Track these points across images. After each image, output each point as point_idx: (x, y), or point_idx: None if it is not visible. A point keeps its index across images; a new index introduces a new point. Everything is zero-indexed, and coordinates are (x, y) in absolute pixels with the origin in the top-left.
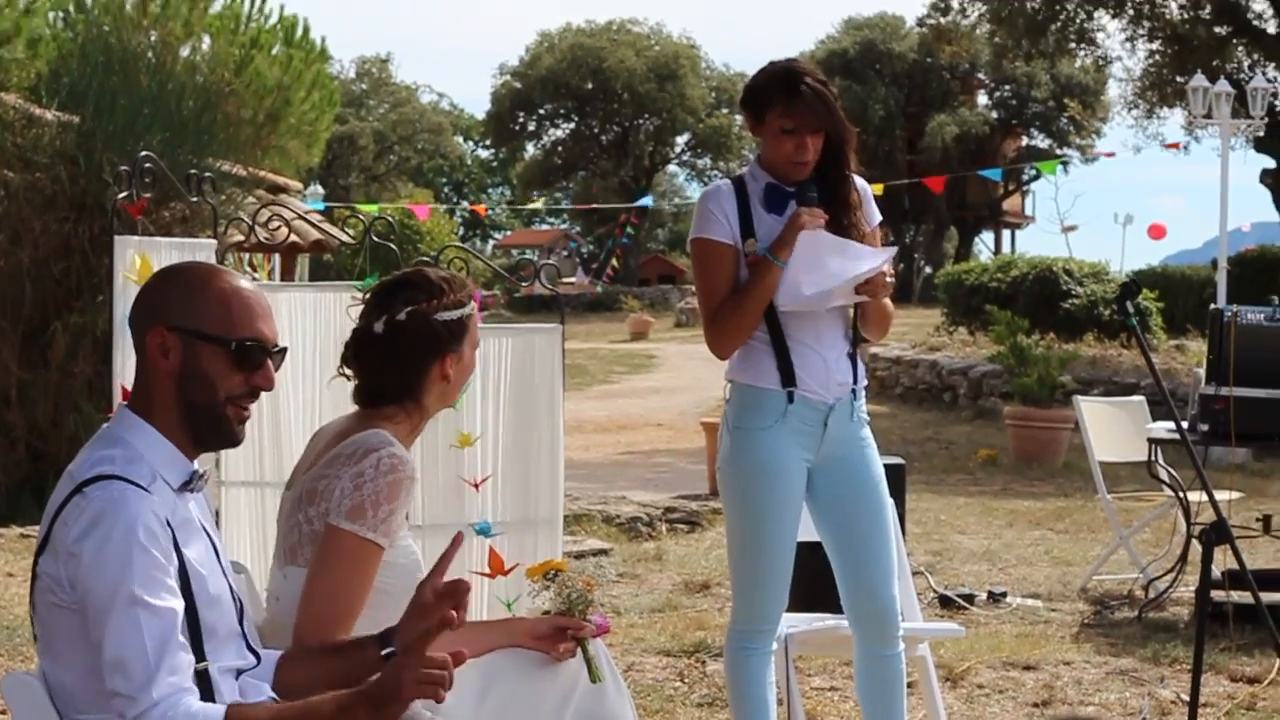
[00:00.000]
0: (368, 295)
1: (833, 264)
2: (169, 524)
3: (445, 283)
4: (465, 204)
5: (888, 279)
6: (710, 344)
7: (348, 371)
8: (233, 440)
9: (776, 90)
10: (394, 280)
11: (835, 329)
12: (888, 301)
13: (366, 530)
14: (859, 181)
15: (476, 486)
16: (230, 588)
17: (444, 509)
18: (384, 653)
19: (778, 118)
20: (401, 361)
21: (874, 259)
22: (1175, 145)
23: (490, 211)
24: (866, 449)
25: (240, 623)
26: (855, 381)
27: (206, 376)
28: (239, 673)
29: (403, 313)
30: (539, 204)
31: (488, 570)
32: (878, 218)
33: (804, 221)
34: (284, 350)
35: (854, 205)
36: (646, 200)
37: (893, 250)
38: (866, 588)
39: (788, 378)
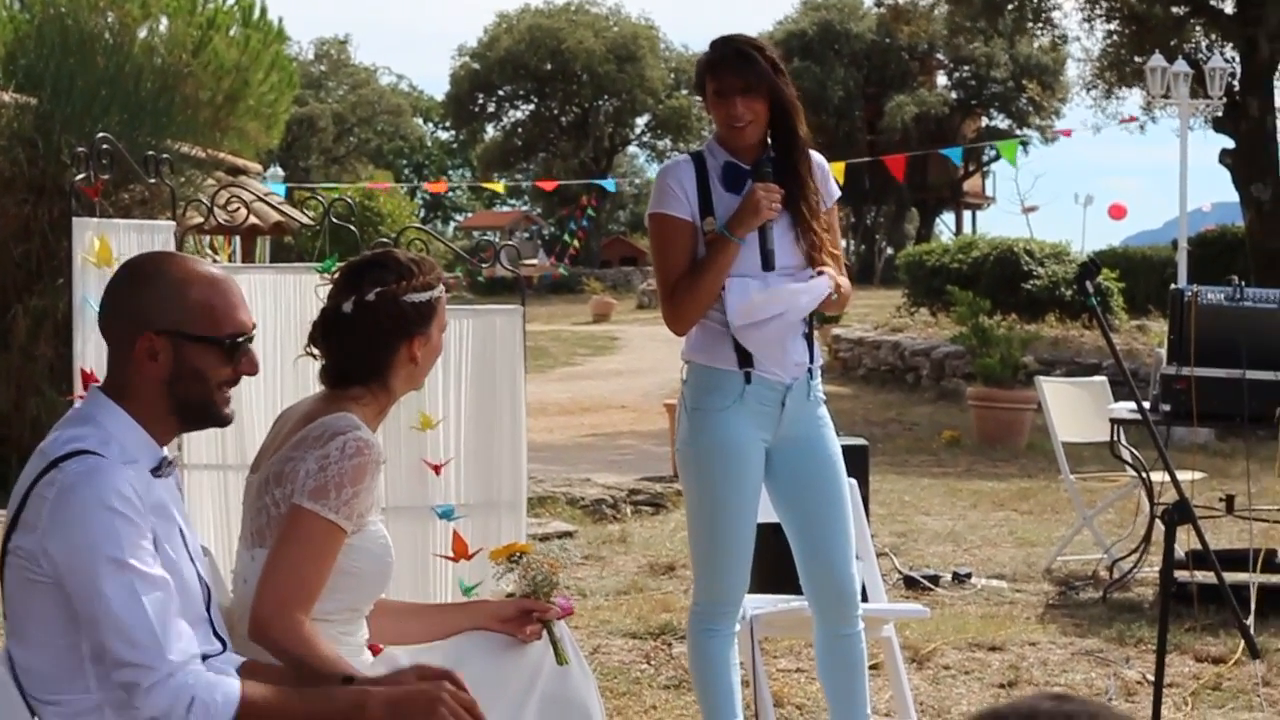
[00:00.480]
0: (336, 275)
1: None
2: (140, 494)
3: (414, 264)
4: (423, 185)
5: (832, 296)
6: (667, 320)
7: (315, 351)
8: (225, 421)
9: (705, 59)
10: (363, 260)
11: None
12: (844, 280)
13: (329, 511)
14: (815, 156)
15: (437, 470)
16: (198, 573)
17: (407, 491)
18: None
19: (709, 84)
20: (369, 343)
21: (810, 292)
22: (1132, 119)
23: (451, 192)
24: (824, 428)
25: (207, 608)
26: (811, 361)
27: (199, 375)
28: (204, 658)
29: (371, 293)
30: (499, 185)
31: (451, 554)
32: (836, 194)
33: (759, 198)
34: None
35: (807, 177)
36: (608, 183)
37: (823, 283)
38: (824, 567)
39: (744, 358)
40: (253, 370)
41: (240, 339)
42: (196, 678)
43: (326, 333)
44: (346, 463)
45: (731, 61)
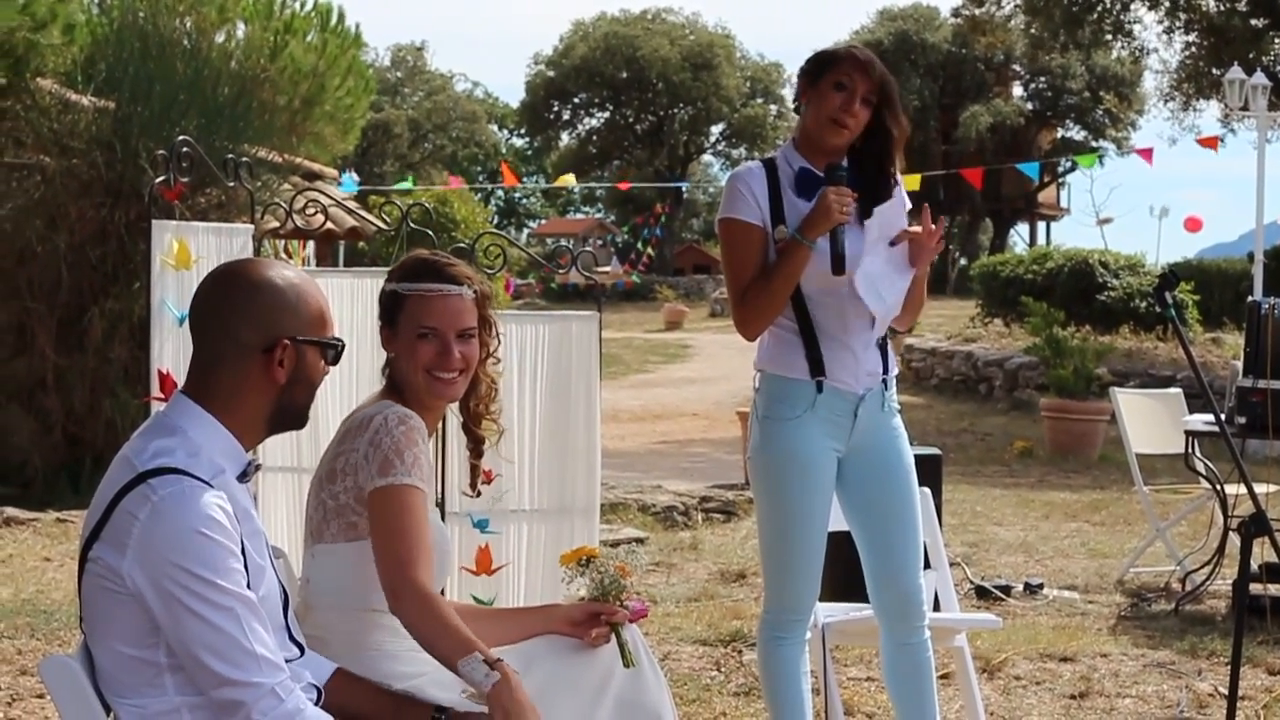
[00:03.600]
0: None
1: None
2: (231, 515)
3: (416, 260)
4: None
5: (932, 239)
6: (738, 325)
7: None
8: (306, 423)
9: (845, 54)
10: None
11: (864, 319)
12: (923, 287)
13: (401, 477)
14: (900, 190)
15: (488, 478)
16: (277, 577)
17: (481, 496)
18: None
19: (836, 74)
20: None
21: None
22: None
23: (525, 199)
24: (897, 439)
25: (285, 614)
26: (885, 371)
27: (310, 380)
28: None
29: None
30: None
31: (473, 566)
32: (904, 224)
33: (830, 201)
34: None
35: (885, 199)
36: (683, 183)
37: (901, 196)
38: (891, 577)
39: (816, 368)
40: (327, 373)
41: (340, 342)
42: (305, 704)
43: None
44: (396, 431)
45: (873, 70)
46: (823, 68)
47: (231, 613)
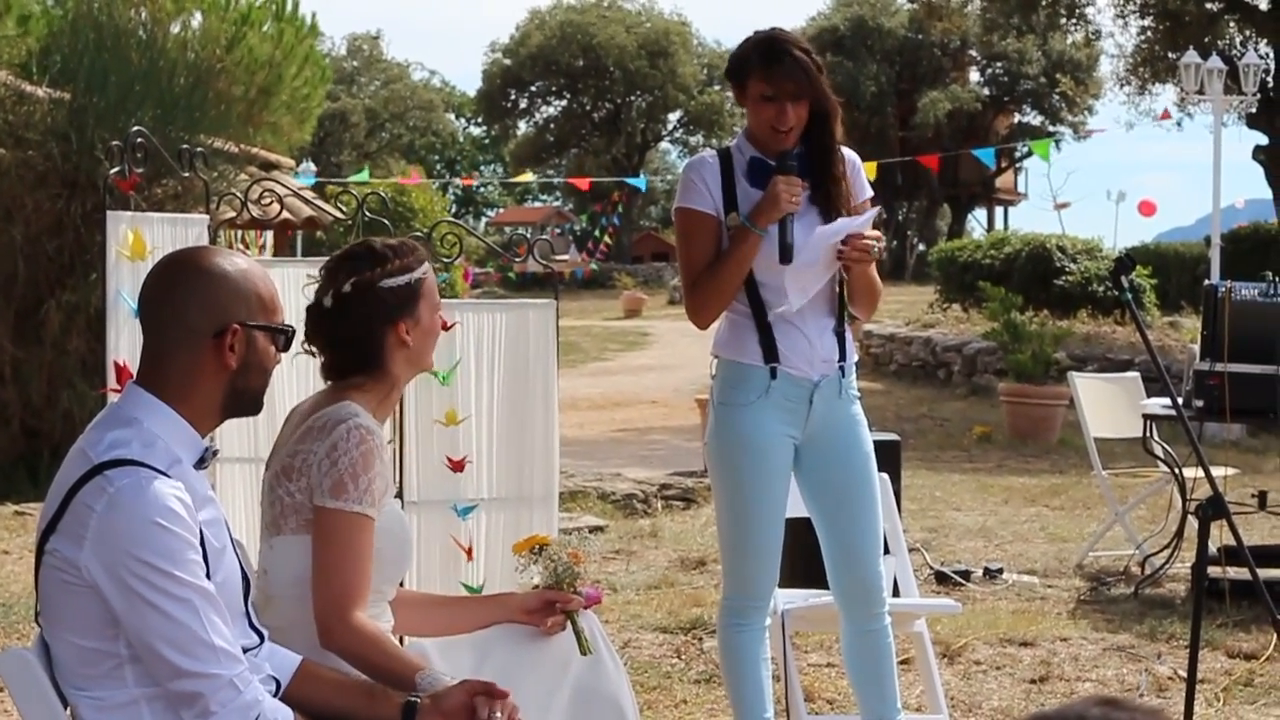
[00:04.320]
0: (320, 272)
1: (814, 240)
2: (189, 505)
3: (390, 250)
4: (456, 180)
5: (872, 244)
6: (690, 313)
7: (311, 349)
8: (261, 409)
9: (756, 57)
10: (341, 254)
11: (819, 306)
12: (875, 277)
13: (353, 504)
14: (848, 154)
15: (459, 466)
16: (240, 564)
17: (438, 486)
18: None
19: (757, 84)
20: (354, 333)
21: (850, 223)
22: (1166, 115)
23: (482, 188)
24: (856, 426)
25: (245, 601)
26: (843, 358)
27: (262, 365)
28: (243, 651)
29: (347, 285)
30: (529, 175)
31: (460, 553)
32: (868, 192)
33: (779, 190)
34: None
35: (839, 177)
36: (640, 181)
37: (872, 212)
38: (851, 563)
39: (770, 353)
40: (279, 360)
41: (290, 328)
42: (262, 694)
43: (314, 330)
44: (355, 452)
45: (789, 69)
46: (743, 76)
47: (189, 604)
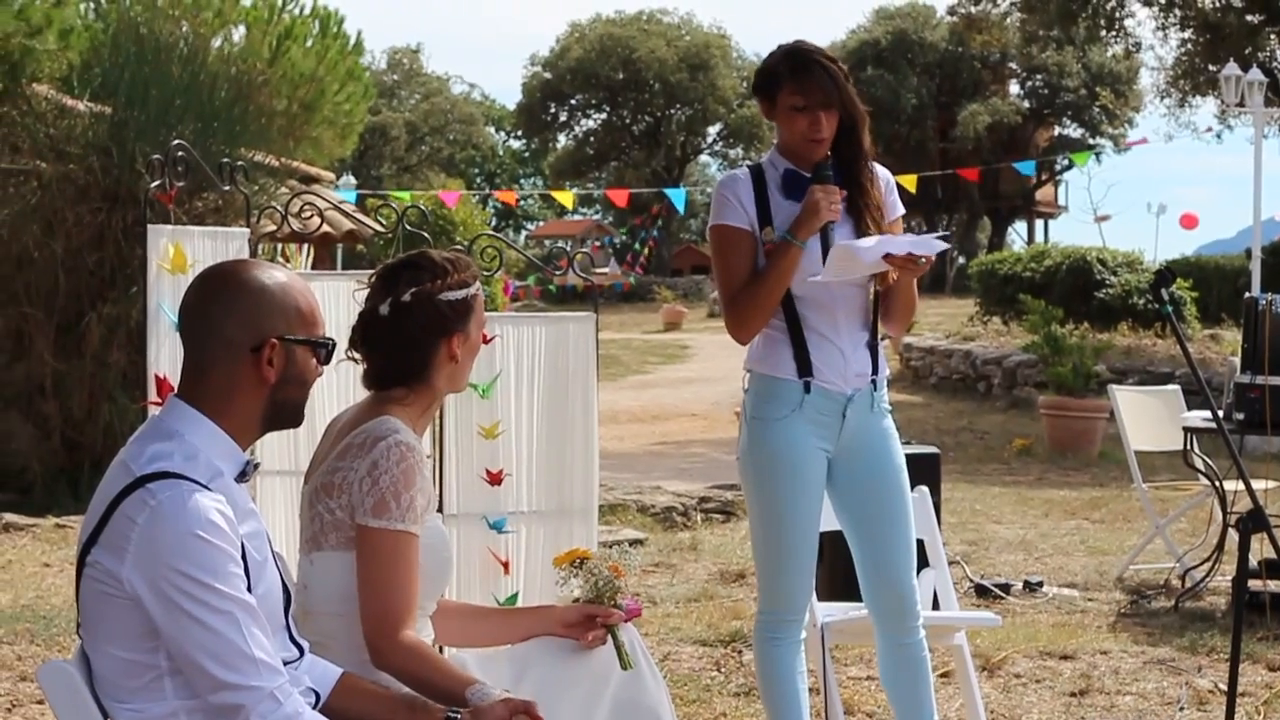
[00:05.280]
0: (373, 278)
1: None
2: (230, 518)
3: (449, 263)
4: (493, 193)
5: (920, 261)
6: (730, 329)
7: (356, 355)
8: (302, 421)
9: (784, 69)
10: (398, 262)
11: (853, 320)
12: (914, 292)
13: (395, 523)
14: (880, 170)
15: (496, 479)
16: (281, 577)
17: (479, 498)
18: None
19: (788, 96)
20: (408, 343)
21: (919, 244)
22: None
23: (522, 202)
24: (888, 440)
25: (285, 614)
26: (875, 373)
27: (302, 378)
28: (283, 664)
29: (407, 294)
30: (568, 194)
31: (495, 566)
32: (900, 210)
33: (818, 199)
34: None
35: (869, 187)
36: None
37: (942, 245)
38: (884, 578)
39: (804, 368)
40: (321, 371)
41: (332, 341)
42: (302, 707)
43: (365, 336)
44: (396, 470)
45: (817, 77)
46: (772, 90)
47: (230, 616)
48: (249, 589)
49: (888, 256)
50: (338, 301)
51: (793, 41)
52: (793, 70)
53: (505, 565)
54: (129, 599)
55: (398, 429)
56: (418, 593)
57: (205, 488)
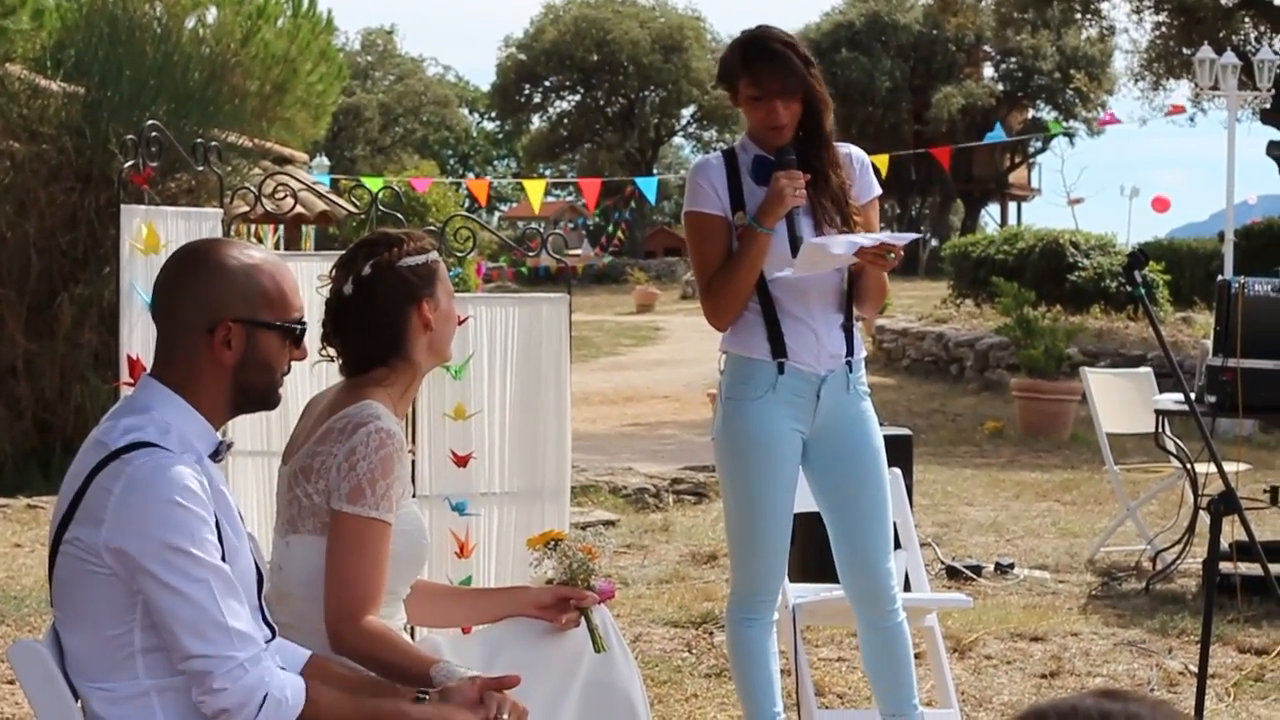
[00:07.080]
0: (332, 270)
1: (849, 237)
2: (206, 487)
3: (404, 234)
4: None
5: (891, 255)
6: (707, 315)
7: (330, 353)
8: (276, 404)
9: (738, 60)
10: (354, 245)
11: (827, 301)
12: (885, 279)
13: (369, 509)
14: (855, 151)
15: (463, 461)
16: (254, 560)
17: (450, 480)
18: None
19: (745, 86)
20: (379, 316)
21: (891, 237)
22: (1179, 109)
23: (495, 185)
24: (865, 421)
25: (259, 595)
26: (850, 354)
27: (267, 362)
28: None
29: (367, 267)
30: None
31: (456, 549)
32: (876, 190)
33: (782, 185)
34: None
35: (831, 174)
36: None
37: (912, 235)
38: (859, 561)
39: (777, 348)
40: (303, 356)
41: (302, 324)
42: (271, 674)
43: (336, 321)
44: (374, 456)
45: (770, 66)
46: (731, 79)
47: (204, 584)
48: (223, 560)
49: (859, 251)
50: (309, 283)
51: (755, 28)
52: (745, 61)
53: (462, 547)
54: (108, 572)
55: (379, 414)
56: (385, 580)
57: (180, 456)
